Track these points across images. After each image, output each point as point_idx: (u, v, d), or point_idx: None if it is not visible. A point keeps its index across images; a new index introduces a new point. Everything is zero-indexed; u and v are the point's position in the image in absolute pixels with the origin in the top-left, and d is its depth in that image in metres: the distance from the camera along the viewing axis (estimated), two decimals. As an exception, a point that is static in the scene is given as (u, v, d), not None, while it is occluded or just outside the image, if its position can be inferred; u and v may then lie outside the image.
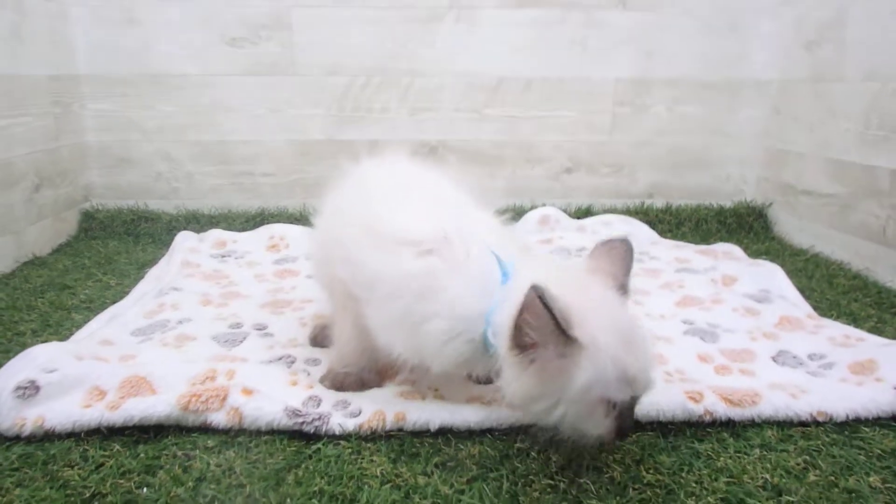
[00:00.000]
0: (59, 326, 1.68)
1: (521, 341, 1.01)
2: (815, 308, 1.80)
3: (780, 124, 2.75)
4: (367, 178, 1.38)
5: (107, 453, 1.11)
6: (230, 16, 2.66)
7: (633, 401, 1.02)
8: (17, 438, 1.14)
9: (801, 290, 1.90)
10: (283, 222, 2.54)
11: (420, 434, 1.18)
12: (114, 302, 1.84)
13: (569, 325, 0.96)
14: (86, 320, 1.70)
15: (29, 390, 1.17)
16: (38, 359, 1.24)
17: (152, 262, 2.25)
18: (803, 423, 1.22)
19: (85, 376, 1.21)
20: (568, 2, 2.71)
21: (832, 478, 1.06)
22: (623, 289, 1.08)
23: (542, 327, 0.97)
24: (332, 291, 1.38)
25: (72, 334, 1.60)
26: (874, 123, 2.17)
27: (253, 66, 2.70)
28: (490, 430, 1.19)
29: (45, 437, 1.15)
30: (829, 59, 2.41)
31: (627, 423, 1.02)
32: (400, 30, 2.70)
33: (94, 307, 1.82)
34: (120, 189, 2.78)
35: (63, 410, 1.16)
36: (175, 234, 2.38)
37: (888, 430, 1.21)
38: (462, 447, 1.14)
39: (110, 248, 2.45)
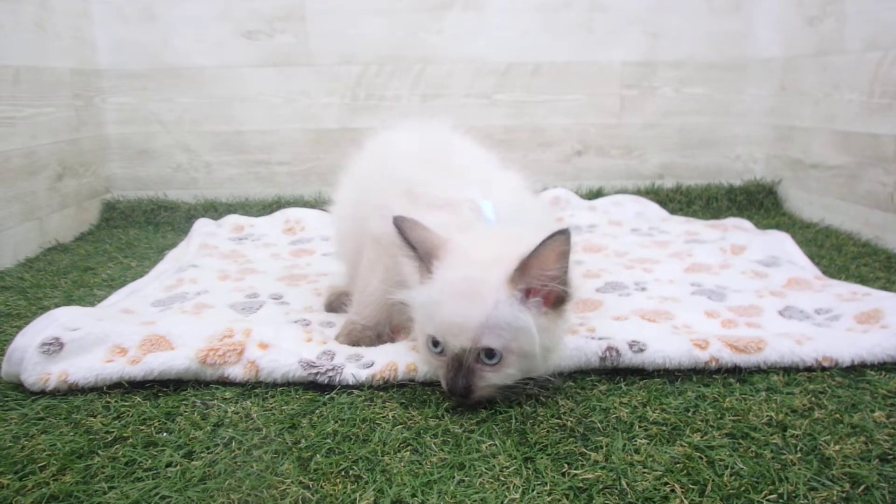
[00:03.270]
0: (81, 301, 1.73)
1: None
2: (825, 272, 1.81)
3: (786, 101, 2.76)
4: (401, 146, 1.50)
5: (128, 404, 1.15)
6: (245, 9, 2.73)
7: (455, 356, 1.09)
8: (41, 393, 1.18)
9: (811, 258, 1.91)
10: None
11: (431, 384, 1.21)
12: (134, 280, 1.89)
13: (429, 255, 1.13)
14: (108, 296, 1.75)
15: (53, 346, 1.20)
16: (60, 318, 1.27)
17: (172, 246, 2.30)
18: (809, 369, 1.24)
19: (106, 335, 1.25)
20: (573, -13, 2.76)
21: (837, 415, 1.08)
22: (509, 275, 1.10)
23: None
24: (359, 250, 1.46)
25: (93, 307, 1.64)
26: (877, 92, 2.19)
27: (268, 57, 2.77)
28: (499, 380, 1.22)
29: (69, 391, 1.19)
30: (831, 33, 2.43)
31: (451, 377, 1.09)
32: (410, 18, 2.75)
33: (115, 285, 1.87)
34: (140, 180, 2.86)
35: (86, 365, 1.20)
36: (193, 222, 2.44)
37: (894, 373, 1.22)
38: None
39: (131, 235, 2.52)
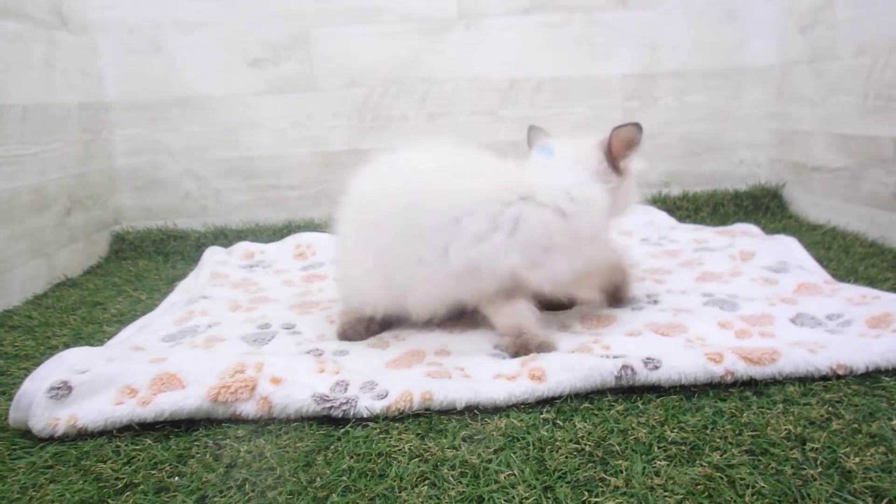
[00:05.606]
0: (91, 339, 1.72)
1: None
2: (833, 275, 1.81)
3: (784, 106, 2.79)
4: (419, 162, 1.55)
5: (139, 447, 1.13)
6: (251, 39, 2.76)
7: None
8: (49, 439, 1.17)
9: (819, 261, 1.91)
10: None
11: (447, 412, 1.20)
12: (144, 314, 1.88)
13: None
14: (118, 332, 1.73)
15: (62, 391, 1.18)
16: (68, 361, 1.25)
17: (182, 277, 2.30)
18: (824, 378, 1.23)
19: (116, 376, 1.22)
20: (570, 5, 2.78)
21: (855, 425, 1.06)
22: None
23: None
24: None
25: (103, 345, 1.63)
26: (871, 95, 2.21)
27: (274, 84, 2.79)
28: (516, 406, 1.21)
29: (78, 436, 1.17)
30: (824, 40, 2.47)
31: None
32: (413, 41, 2.78)
33: (125, 320, 1.86)
34: (149, 210, 2.87)
35: (95, 408, 1.17)
36: (204, 251, 2.43)
37: (910, 379, 1.21)
38: (489, 421, 1.16)
39: (140, 266, 2.52)
